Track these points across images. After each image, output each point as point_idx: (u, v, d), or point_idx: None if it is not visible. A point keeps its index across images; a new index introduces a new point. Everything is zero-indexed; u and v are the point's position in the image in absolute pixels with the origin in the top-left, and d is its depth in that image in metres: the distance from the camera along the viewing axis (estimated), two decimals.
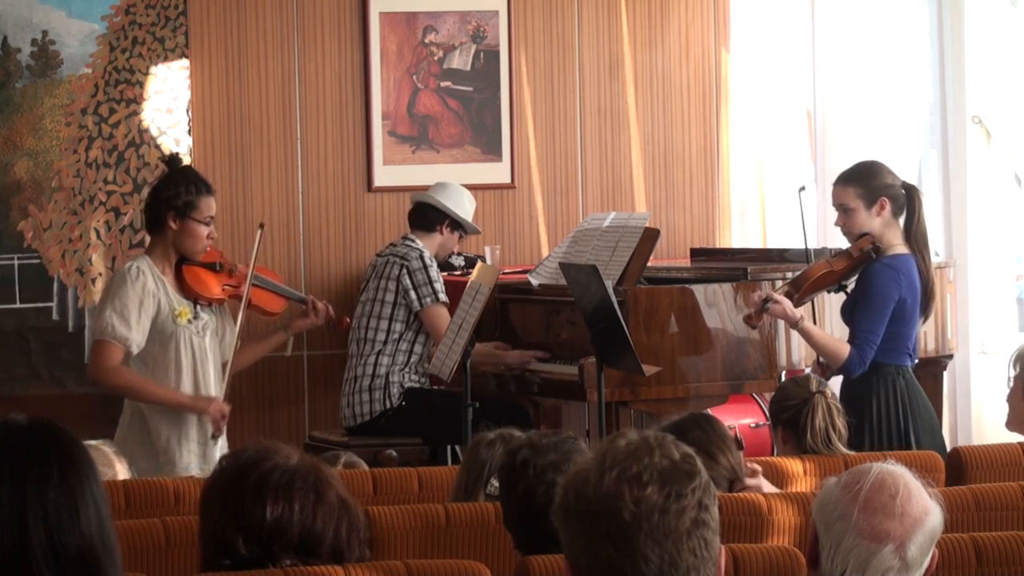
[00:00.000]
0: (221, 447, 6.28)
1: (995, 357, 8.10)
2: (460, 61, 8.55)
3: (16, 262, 8.03)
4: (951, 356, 7.86)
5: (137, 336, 6.16)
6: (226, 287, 6.38)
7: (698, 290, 7.05)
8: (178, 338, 6.23)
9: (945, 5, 8.40)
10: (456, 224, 7.61)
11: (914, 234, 6.25)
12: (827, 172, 8.36)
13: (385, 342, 7.45)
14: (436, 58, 8.50)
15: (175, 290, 6.26)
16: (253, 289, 6.47)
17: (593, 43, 8.71)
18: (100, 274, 8.07)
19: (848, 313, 6.28)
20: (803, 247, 7.04)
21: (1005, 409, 5.46)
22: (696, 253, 8.29)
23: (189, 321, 6.25)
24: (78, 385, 8.04)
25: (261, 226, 6.65)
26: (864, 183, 6.24)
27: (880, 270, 6.18)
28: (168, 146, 8.14)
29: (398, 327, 7.45)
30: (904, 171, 8.61)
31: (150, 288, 6.19)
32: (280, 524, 3.18)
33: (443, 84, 8.53)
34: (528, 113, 8.64)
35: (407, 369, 7.46)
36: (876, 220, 6.22)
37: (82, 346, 8.06)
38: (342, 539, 3.22)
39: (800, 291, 6.24)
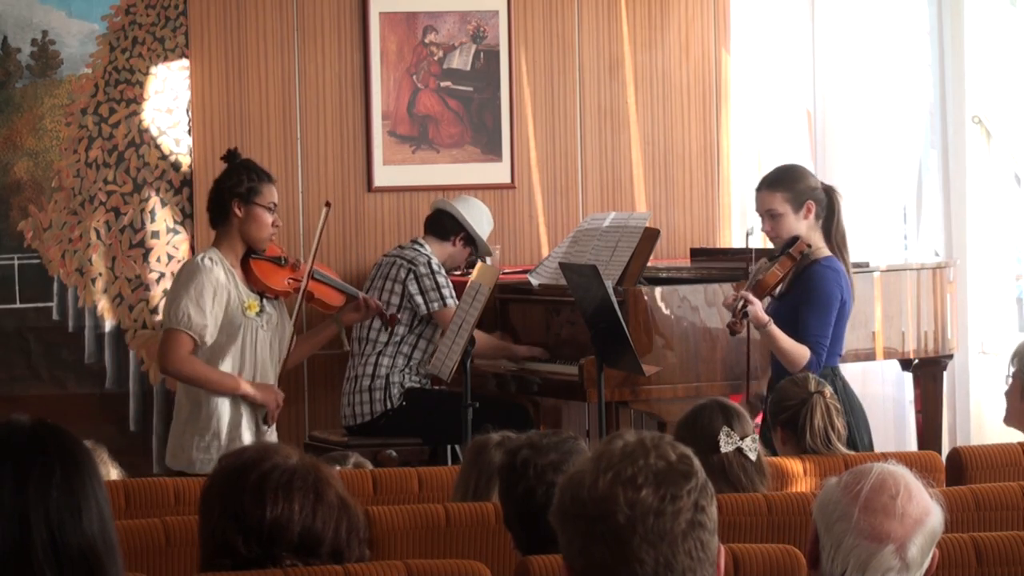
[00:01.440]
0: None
1: (995, 357, 8.10)
2: (460, 61, 8.55)
3: (16, 262, 8.03)
4: (951, 356, 7.86)
5: (211, 325, 6.20)
6: (290, 281, 6.43)
7: (698, 290, 7.05)
8: (246, 330, 6.27)
9: (945, 5, 8.39)
10: (470, 240, 7.60)
11: (834, 235, 6.28)
12: (827, 172, 8.36)
13: (387, 343, 7.45)
14: (436, 58, 8.50)
15: (243, 283, 6.29)
16: (315, 284, 6.51)
17: (593, 43, 8.71)
18: (100, 274, 8.08)
19: (778, 318, 6.22)
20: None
21: (1004, 406, 5.46)
22: (696, 253, 8.28)
23: (258, 314, 6.29)
24: (78, 385, 8.04)
25: (328, 204, 6.66)
26: (790, 187, 6.25)
27: (822, 272, 6.18)
28: (168, 146, 8.15)
29: (401, 330, 7.44)
30: (904, 171, 8.65)
31: (222, 279, 6.22)
32: (280, 524, 3.18)
33: (443, 84, 8.53)
34: (528, 113, 8.64)
35: (407, 370, 7.45)
36: (803, 223, 6.23)
37: (82, 346, 8.07)
38: (342, 539, 3.23)
39: (761, 297, 6.22)
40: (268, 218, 6.31)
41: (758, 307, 6.11)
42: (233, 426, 6.26)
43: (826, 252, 6.24)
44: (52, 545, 2.45)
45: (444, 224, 7.61)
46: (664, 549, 2.38)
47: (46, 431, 2.54)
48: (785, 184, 6.28)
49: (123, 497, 4.80)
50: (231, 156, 6.42)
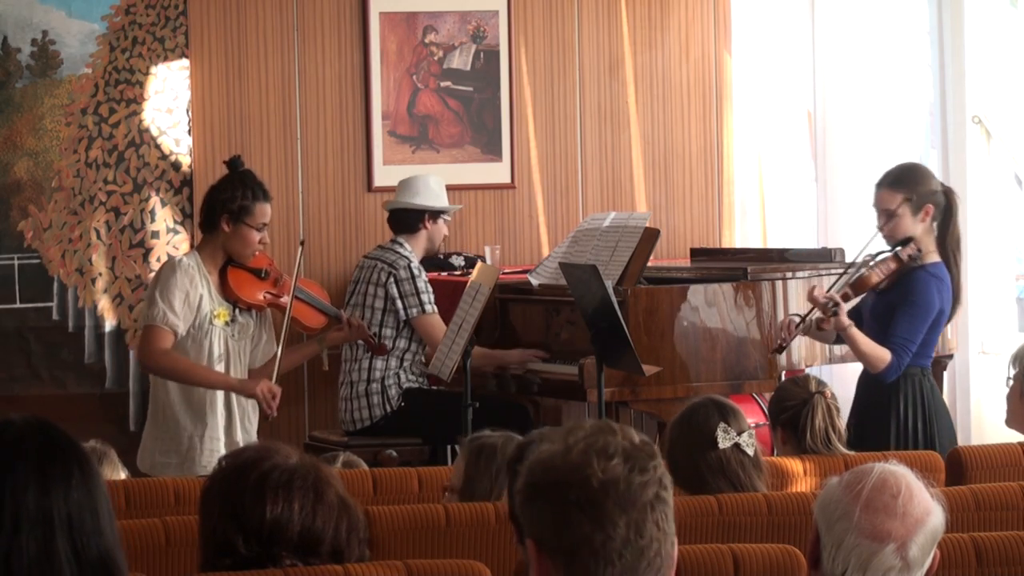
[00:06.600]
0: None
1: (995, 357, 8.09)
2: (460, 61, 8.55)
3: (16, 262, 8.03)
4: (951, 356, 7.86)
5: (182, 326, 6.18)
6: (267, 294, 6.34)
7: (698, 290, 7.05)
8: (212, 338, 6.23)
9: (945, 5, 8.39)
10: (436, 212, 7.53)
11: (949, 238, 6.15)
12: (827, 172, 8.37)
13: None
14: (436, 58, 8.50)
15: (217, 291, 6.26)
16: (295, 303, 6.42)
17: (593, 43, 8.71)
18: (100, 274, 8.08)
19: (874, 313, 6.18)
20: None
21: (1004, 407, 5.45)
22: (696, 253, 8.28)
23: (226, 323, 6.25)
24: (78, 385, 8.05)
25: (302, 243, 6.62)
26: (912, 189, 6.10)
27: (926, 279, 6.07)
28: (168, 146, 8.15)
29: (388, 332, 7.42)
30: None
31: (196, 282, 6.20)
32: (280, 523, 3.18)
33: (443, 84, 8.53)
34: (528, 113, 8.64)
35: (402, 371, 7.44)
36: (919, 226, 6.12)
37: (82, 346, 8.07)
38: (342, 538, 3.23)
39: (853, 296, 6.12)
40: (255, 237, 6.25)
41: (843, 310, 6.01)
42: (189, 436, 6.23)
43: (935, 258, 6.12)
44: (75, 552, 2.44)
45: (406, 219, 7.51)
46: (635, 516, 2.46)
47: (55, 431, 2.53)
48: (908, 185, 6.12)
49: (123, 497, 4.80)
50: (233, 163, 6.35)
